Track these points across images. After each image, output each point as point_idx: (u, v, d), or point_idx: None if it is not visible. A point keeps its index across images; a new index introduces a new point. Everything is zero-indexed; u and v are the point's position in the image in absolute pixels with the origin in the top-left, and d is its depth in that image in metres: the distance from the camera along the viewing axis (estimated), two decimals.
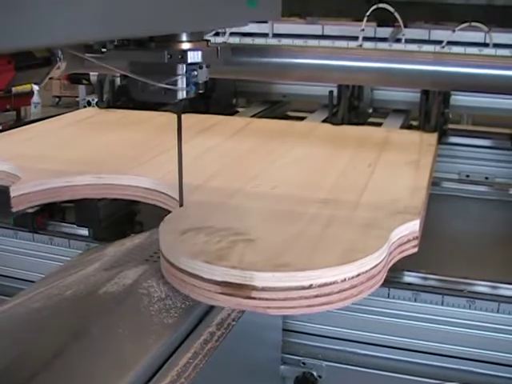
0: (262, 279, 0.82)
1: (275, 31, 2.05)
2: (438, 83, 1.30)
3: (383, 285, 1.15)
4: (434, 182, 1.68)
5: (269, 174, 1.27)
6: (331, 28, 2.04)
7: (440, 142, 1.67)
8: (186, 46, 0.92)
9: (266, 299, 0.83)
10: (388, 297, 1.17)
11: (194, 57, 0.92)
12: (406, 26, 2.00)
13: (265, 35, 2.03)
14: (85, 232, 1.39)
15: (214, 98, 1.95)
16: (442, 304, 1.15)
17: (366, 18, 1.90)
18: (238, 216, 1.03)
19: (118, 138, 1.55)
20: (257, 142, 1.52)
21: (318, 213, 1.04)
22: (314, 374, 1.21)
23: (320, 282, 0.83)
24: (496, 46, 1.86)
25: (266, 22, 1.99)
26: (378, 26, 2.02)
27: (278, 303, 0.83)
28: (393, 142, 1.55)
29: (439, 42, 1.85)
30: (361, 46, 1.86)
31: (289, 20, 2.19)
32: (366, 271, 0.88)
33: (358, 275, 0.86)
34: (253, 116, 1.98)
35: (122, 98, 1.94)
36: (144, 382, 0.74)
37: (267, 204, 1.09)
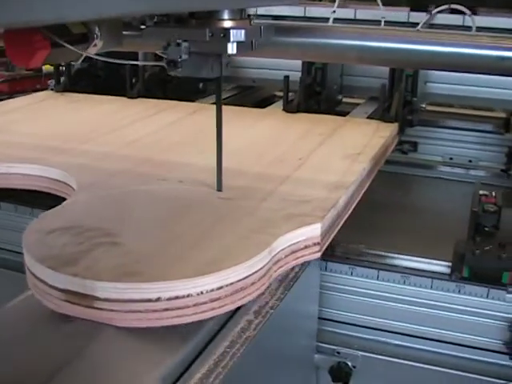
0: (103, 290, 0.74)
1: (306, 14, 1.93)
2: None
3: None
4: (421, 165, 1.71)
5: (187, 167, 1.18)
6: (363, 12, 1.88)
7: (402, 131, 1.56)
8: (228, 23, 0.88)
9: (110, 310, 0.75)
10: (431, 288, 1.13)
11: (237, 35, 0.87)
12: None
13: (295, 18, 1.92)
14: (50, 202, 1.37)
15: (175, 83, 1.85)
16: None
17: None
18: (119, 215, 0.95)
19: (52, 126, 1.48)
20: (194, 131, 1.43)
21: (210, 213, 0.95)
22: (349, 364, 1.18)
23: (169, 295, 0.75)
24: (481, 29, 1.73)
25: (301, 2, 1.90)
26: (411, 10, 1.89)
27: (122, 315, 0.75)
28: (343, 132, 1.43)
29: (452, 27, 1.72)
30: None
31: (319, 3, 2.09)
32: (232, 283, 0.79)
33: (220, 288, 0.78)
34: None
35: (81, 81, 1.87)
36: (181, 370, 0.72)
37: (162, 201, 1.01)
